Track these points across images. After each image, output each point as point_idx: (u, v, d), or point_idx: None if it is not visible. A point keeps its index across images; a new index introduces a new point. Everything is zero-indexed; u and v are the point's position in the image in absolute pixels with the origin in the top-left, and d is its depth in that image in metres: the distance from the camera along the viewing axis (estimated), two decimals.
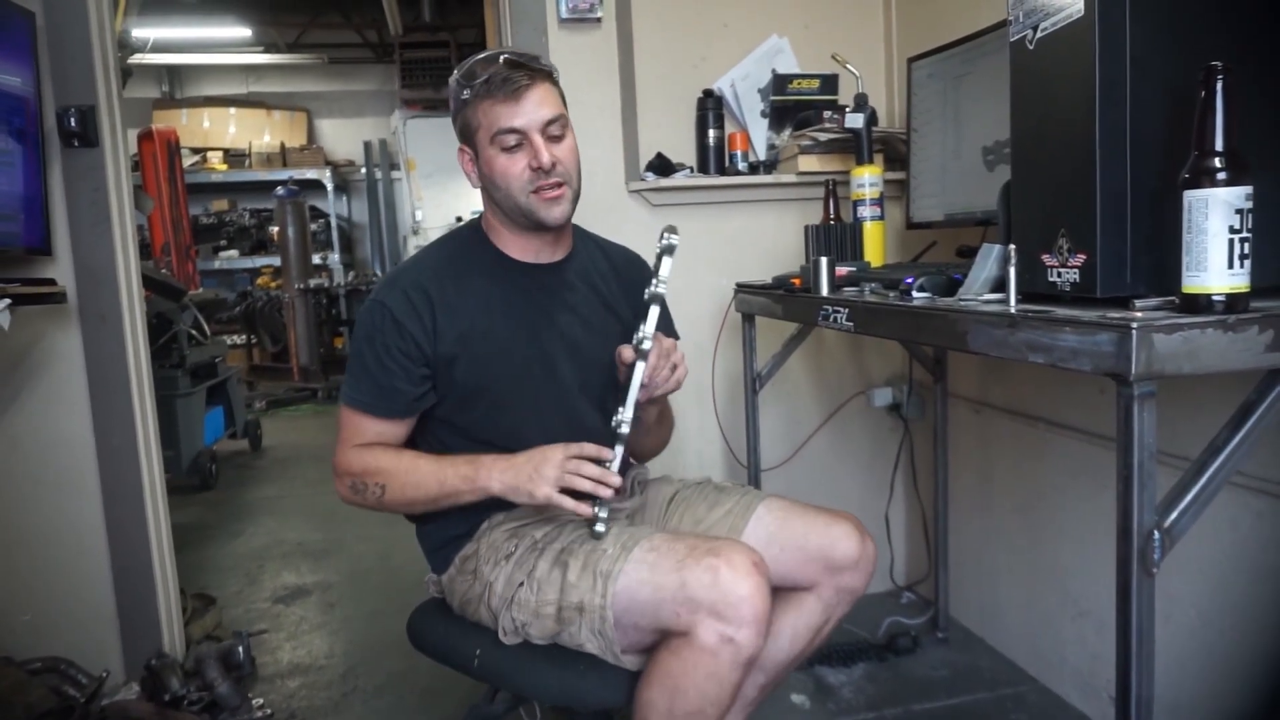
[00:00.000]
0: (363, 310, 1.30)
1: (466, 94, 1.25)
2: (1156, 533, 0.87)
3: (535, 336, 1.33)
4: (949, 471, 2.21)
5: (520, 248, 1.35)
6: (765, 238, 2.29)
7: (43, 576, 2.03)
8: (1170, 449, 1.11)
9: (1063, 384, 1.85)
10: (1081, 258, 0.97)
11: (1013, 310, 1.04)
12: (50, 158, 1.89)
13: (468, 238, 1.37)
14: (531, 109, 1.23)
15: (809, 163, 2.19)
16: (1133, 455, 0.86)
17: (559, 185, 1.26)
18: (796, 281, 1.81)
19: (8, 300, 1.48)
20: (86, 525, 2.04)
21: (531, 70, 1.24)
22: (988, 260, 1.17)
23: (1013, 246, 1.07)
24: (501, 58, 1.24)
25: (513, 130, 1.23)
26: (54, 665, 1.99)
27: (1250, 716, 1.42)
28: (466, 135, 1.29)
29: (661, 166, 2.22)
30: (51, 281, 1.87)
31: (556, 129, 1.25)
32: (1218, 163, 0.86)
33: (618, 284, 1.43)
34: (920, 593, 2.43)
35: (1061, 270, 1.00)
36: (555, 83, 1.29)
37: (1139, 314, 0.88)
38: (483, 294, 1.31)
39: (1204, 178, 0.86)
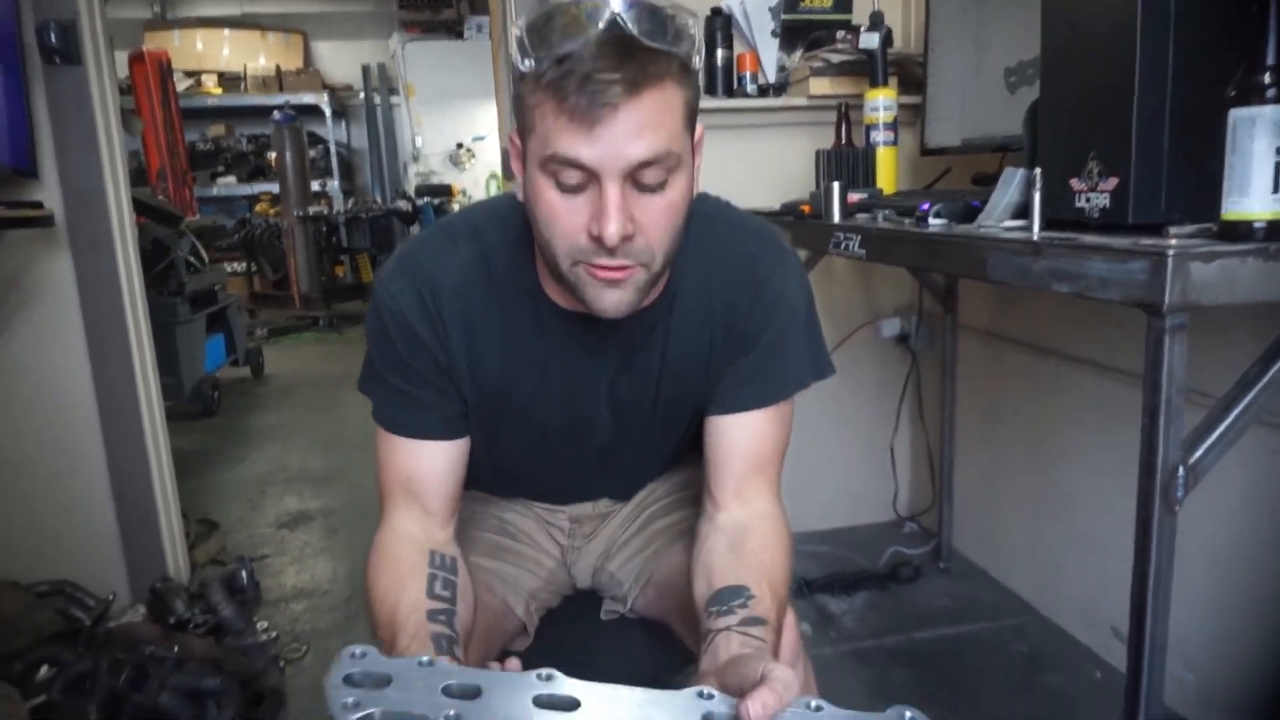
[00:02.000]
0: (372, 298, 0.92)
1: (527, 65, 0.73)
2: (1181, 469, 0.84)
3: (568, 406, 0.95)
4: (956, 403, 2.18)
5: (568, 299, 0.86)
6: (774, 163, 2.22)
7: (46, 502, 2.03)
8: (1193, 385, 1.07)
9: (1078, 317, 1.81)
10: (1113, 182, 0.92)
11: (1036, 237, 1.00)
12: (32, 75, 1.82)
13: (500, 249, 0.90)
14: (616, 138, 0.71)
15: (821, 85, 2.10)
16: (1161, 390, 0.83)
17: (624, 269, 0.76)
18: (806, 209, 1.76)
19: None
20: (86, 451, 2.03)
21: (638, 71, 0.70)
22: (1010, 185, 1.11)
23: (1038, 170, 1.02)
24: (600, 23, 0.70)
25: (577, 166, 0.72)
26: (60, 588, 2.00)
27: (1261, 658, 1.41)
28: (519, 119, 0.78)
29: None
30: (38, 204, 1.81)
31: (654, 175, 0.73)
32: (1268, 79, 0.80)
33: (719, 309, 0.93)
34: (923, 524, 2.43)
35: (1090, 195, 0.95)
36: (685, 76, 0.75)
37: (1174, 241, 0.84)
38: (507, 339, 0.91)
39: (1253, 95, 0.80)
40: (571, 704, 0.61)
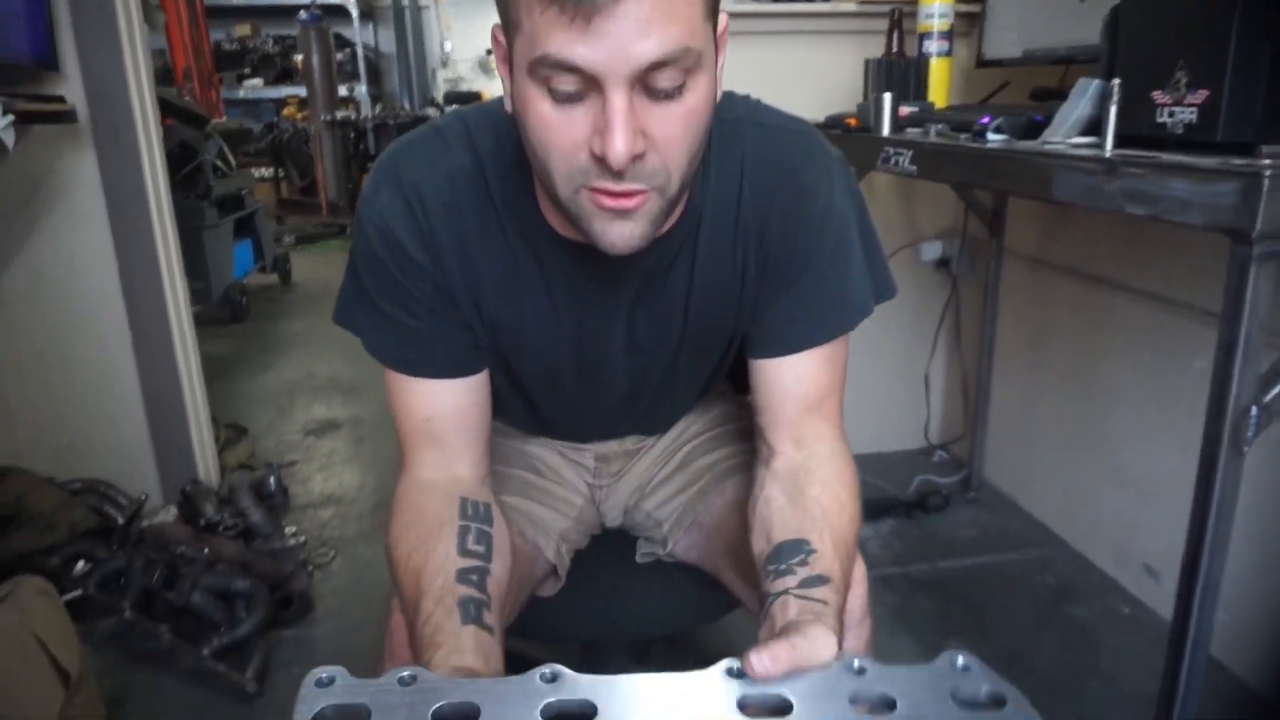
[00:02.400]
0: (356, 215, 0.80)
1: None
2: (1254, 409, 0.79)
3: (580, 345, 0.85)
4: (997, 331, 2.12)
5: (567, 224, 0.74)
6: (819, 73, 2.12)
7: (77, 402, 2.04)
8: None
9: (1136, 243, 1.72)
10: (1202, 95, 0.84)
11: (1109, 153, 0.92)
12: None
13: (493, 163, 0.78)
14: (620, 34, 0.57)
15: None
16: (1241, 324, 0.77)
17: (635, 194, 0.64)
18: (852, 122, 1.68)
19: (11, 117, 1.39)
20: (115, 353, 2.03)
21: None
22: (1082, 97, 1.03)
23: (1116, 81, 0.94)
24: None
25: (573, 70, 0.59)
26: (94, 486, 2.03)
27: None
28: (501, 11, 0.64)
29: None
30: (60, 99, 1.76)
31: (669, 78, 0.60)
32: None
33: (750, 227, 0.80)
34: (954, 452, 2.40)
35: (1175, 109, 0.87)
36: None
37: (1268, 162, 0.76)
38: (508, 265, 0.79)
39: None
40: (585, 711, 0.53)
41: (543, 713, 0.51)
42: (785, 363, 0.81)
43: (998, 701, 0.53)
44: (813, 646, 0.56)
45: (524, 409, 0.96)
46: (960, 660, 0.55)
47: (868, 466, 2.25)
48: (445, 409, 0.81)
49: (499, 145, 0.77)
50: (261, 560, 1.85)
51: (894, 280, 0.85)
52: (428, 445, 0.82)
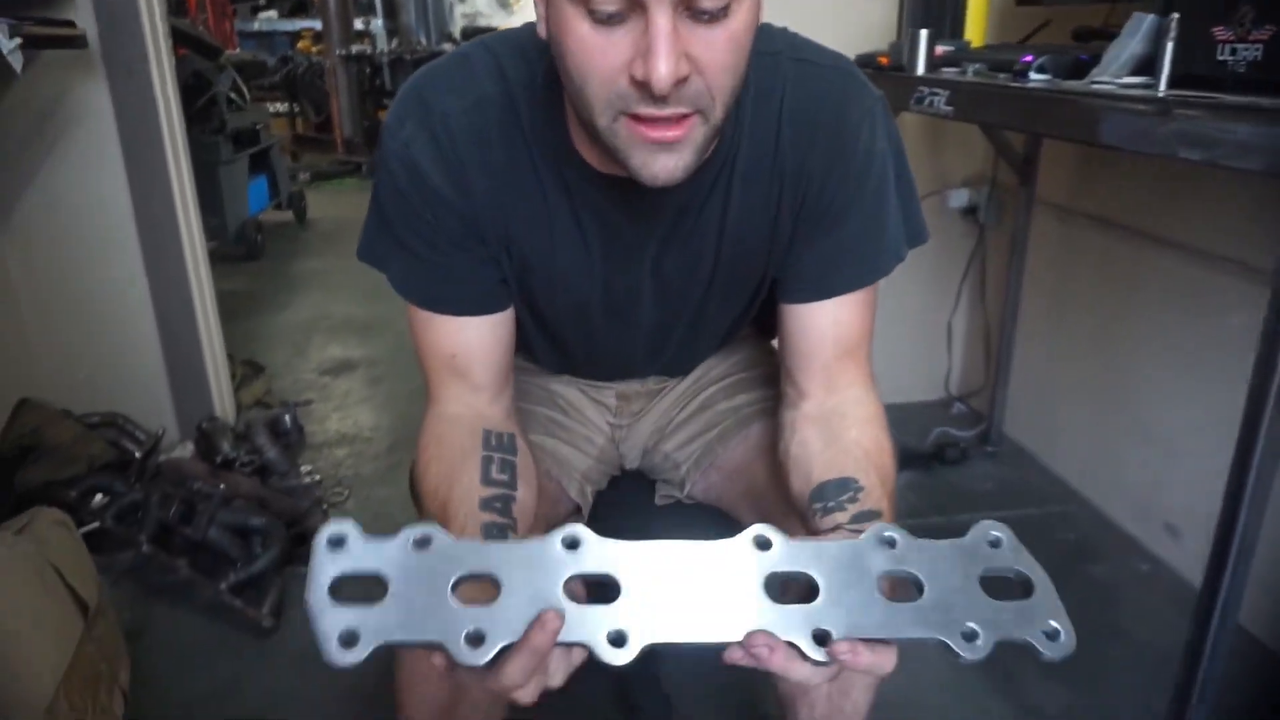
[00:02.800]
0: (379, 147, 0.77)
1: None
2: None
3: (607, 280, 0.83)
4: (1023, 282, 2.07)
5: (600, 156, 0.73)
6: (849, 9, 2.04)
7: (94, 336, 2.04)
8: None
9: (1175, 194, 1.66)
10: (1269, 30, 0.79)
11: (1162, 93, 0.87)
12: None
13: (523, 92, 0.74)
14: None
15: None
16: None
17: (680, 119, 0.61)
18: (884, 60, 1.61)
19: (18, 39, 1.35)
20: (131, 287, 2.02)
21: None
22: (1136, 33, 0.97)
23: (1175, 16, 0.88)
24: None
25: None
26: (112, 420, 2.04)
27: None
28: None
29: None
30: (70, 23, 1.72)
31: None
32: None
33: (788, 166, 0.77)
34: (973, 406, 2.37)
35: (1237, 46, 0.82)
36: None
37: None
38: (538, 201, 0.77)
39: None
40: (609, 589, 0.51)
41: (566, 589, 0.50)
42: (822, 307, 0.79)
43: (1025, 586, 0.52)
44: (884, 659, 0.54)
45: (548, 345, 0.95)
46: (992, 534, 0.55)
47: (886, 416, 2.27)
48: (470, 345, 0.80)
49: (529, 73, 0.74)
50: (277, 497, 1.86)
51: (925, 226, 0.83)
52: (452, 380, 0.81)
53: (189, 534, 1.63)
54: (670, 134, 0.61)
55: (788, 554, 0.53)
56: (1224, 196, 1.54)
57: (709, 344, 0.99)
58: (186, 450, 2.07)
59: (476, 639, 0.48)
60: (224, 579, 1.58)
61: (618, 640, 0.50)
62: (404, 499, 2.02)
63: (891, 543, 0.53)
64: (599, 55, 0.59)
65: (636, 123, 0.61)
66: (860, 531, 0.59)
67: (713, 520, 1.00)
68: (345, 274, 3.89)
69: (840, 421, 0.77)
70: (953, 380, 2.39)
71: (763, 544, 0.52)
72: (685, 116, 0.61)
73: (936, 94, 1.31)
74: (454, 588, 0.49)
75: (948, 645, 0.50)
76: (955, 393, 2.40)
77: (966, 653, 0.50)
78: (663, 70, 0.57)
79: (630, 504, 1.04)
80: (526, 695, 0.54)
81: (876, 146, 0.76)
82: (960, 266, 2.28)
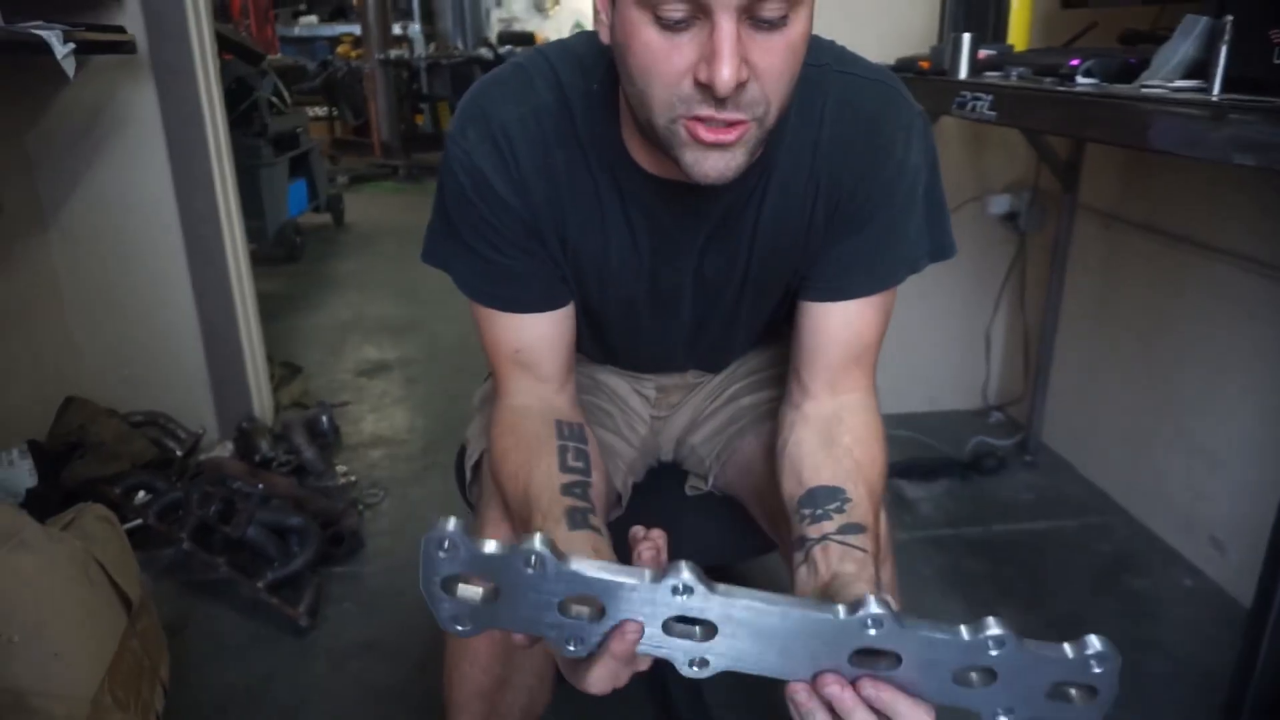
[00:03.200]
0: (444, 154, 0.81)
1: None
2: None
3: (654, 277, 0.86)
4: (1064, 290, 2.04)
5: (651, 158, 0.77)
6: (889, 14, 2.02)
7: (138, 336, 2.08)
8: None
9: (1220, 200, 1.63)
10: None
11: (1215, 98, 0.85)
12: None
13: (579, 99, 0.78)
14: None
15: None
16: None
17: (735, 125, 0.64)
18: (925, 64, 1.59)
19: (72, 45, 1.38)
20: (175, 288, 2.06)
21: None
22: (1188, 36, 0.95)
23: (1229, 17, 0.86)
24: None
25: None
26: (154, 419, 2.08)
27: None
28: None
29: None
30: (120, 29, 1.76)
31: (776, 7, 0.61)
32: None
33: (824, 173, 0.79)
34: (1011, 415, 2.33)
35: None
36: None
37: None
38: (592, 201, 0.80)
39: None
40: (709, 631, 0.54)
41: (666, 626, 0.53)
42: (835, 308, 0.81)
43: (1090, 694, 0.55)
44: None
45: (594, 337, 0.97)
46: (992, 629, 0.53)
47: (922, 425, 2.25)
48: (534, 340, 0.84)
49: (584, 81, 0.77)
50: (314, 498, 1.88)
51: (953, 242, 0.84)
52: (519, 373, 0.85)
53: (228, 532, 1.65)
54: (726, 137, 0.64)
55: (890, 634, 0.53)
56: (1272, 203, 1.50)
57: (744, 341, 1.01)
58: (226, 450, 2.10)
59: (577, 642, 0.54)
60: (262, 577, 1.60)
61: (700, 664, 0.54)
62: (439, 499, 2.04)
63: (1001, 642, 0.52)
64: (664, 59, 0.62)
65: (696, 124, 0.64)
66: (848, 544, 0.66)
67: (733, 512, 1.02)
68: (381, 275, 3.93)
69: (838, 427, 0.80)
70: (991, 389, 2.36)
71: (876, 623, 0.52)
72: (742, 123, 0.64)
73: (980, 98, 1.29)
74: (560, 609, 0.54)
75: None
76: (993, 402, 2.37)
77: None
78: (726, 74, 0.59)
79: (664, 493, 1.07)
80: (599, 688, 0.59)
81: (910, 160, 0.78)
82: (1000, 274, 2.25)
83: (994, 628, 0.52)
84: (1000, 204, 2.18)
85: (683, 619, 0.53)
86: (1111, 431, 1.98)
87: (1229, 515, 1.64)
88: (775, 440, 0.85)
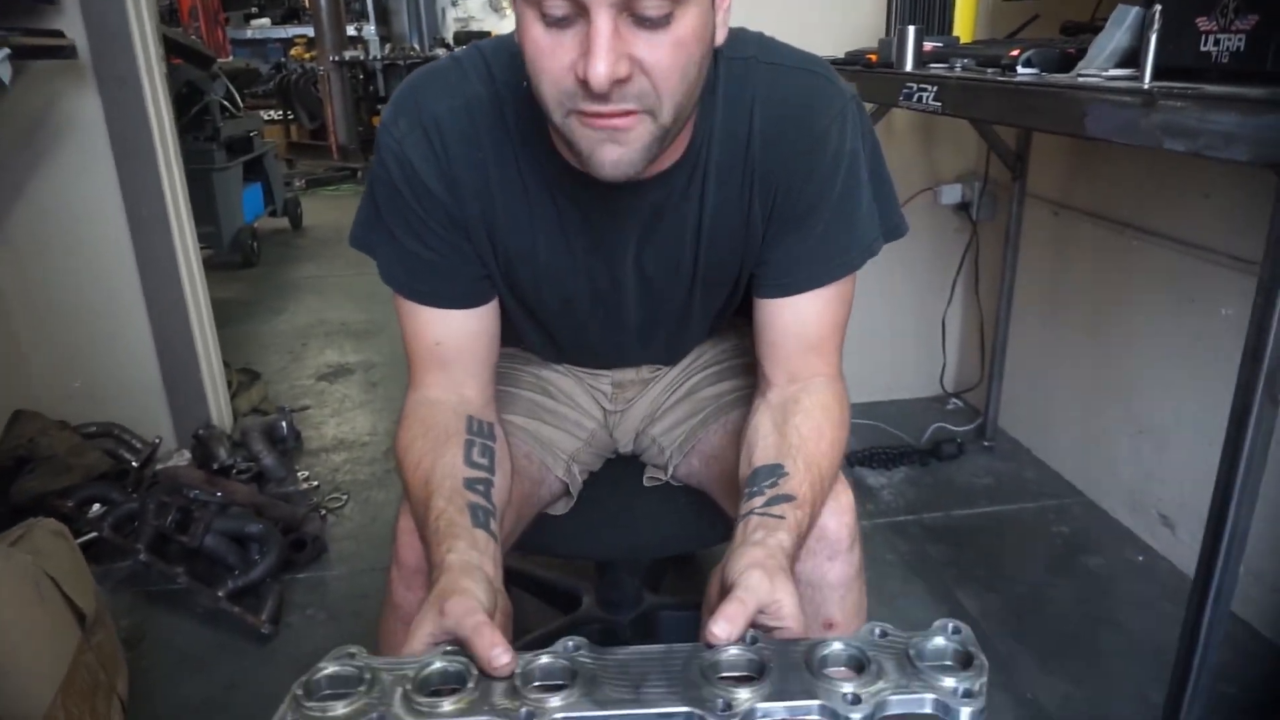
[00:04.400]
0: (376, 143, 0.81)
1: None
2: None
3: (591, 276, 0.86)
4: (1016, 277, 2.08)
5: (577, 156, 0.72)
6: (838, 8, 2.04)
7: (89, 346, 2.04)
8: None
9: (1163, 186, 1.67)
10: (1252, 20, 0.79)
11: (1147, 85, 0.88)
12: None
13: (510, 95, 0.78)
14: None
15: None
16: None
17: (624, 115, 0.64)
18: (873, 57, 1.61)
19: (7, 50, 1.35)
20: (125, 296, 2.02)
21: None
22: (1120, 26, 0.98)
23: (1158, 6, 0.88)
24: None
25: None
26: (108, 430, 2.04)
27: None
28: None
29: None
30: (59, 33, 1.72)
31: (655, 5, 0.61)
32: None
33: (758, 169, 0.80)
34: (969, 401, 2.37)
35: (1220, 37, 0.83)
36: None
37: None
38: (520, 198, 0.80)
39: None
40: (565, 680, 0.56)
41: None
42: (787, 303, 0.82)
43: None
44: (752, 593, 0.60)
45: (540, 336, 0.98)
46: (950, 626, 0.57)
47: (882, 414, 2.28)
48: (453, 335, 0.84)
49: (515, 77, 0.76)
50: (274, 504, 1.86)
51: (905, 219, 0.86)
52: (436, 368, 0.85)
53: (186, 542, 1.63)
54: (615, 122, 0.64)
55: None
56: (1214, 189, 1.54)
57: (697, 334, 1.02)
58: (183, 458, 2.07)
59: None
60: (222, 586, 1.58)
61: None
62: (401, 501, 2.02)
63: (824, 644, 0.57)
64: (549, 55, 0.63)
65: (583, 115, 0.64)
66: (770, 515, 0.69)
67: (692, 503, 1.03)
68: (341, 279, 3.89)
69: (792, 408, 0.81)
70: (948, 376, 2.40)
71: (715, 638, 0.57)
72: (629, 113, 0.64)
73: (925, 89, 1.31)
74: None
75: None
76: (950, 389, 2.40)
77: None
78: (600, 70, 0.60)
79: (619, 483, 1.08)
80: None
81: (846, 146, 0.79)
82: (953, 263, 2.29)
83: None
84: (952, 194, 2.21)
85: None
86: (1065, 415, 2.03)
87: (1177, 494, 1.68)
88: (742, 428, 0.86)
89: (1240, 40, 0.80)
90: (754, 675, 0.55)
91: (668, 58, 0.63)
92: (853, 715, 0.51)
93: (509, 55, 0.77)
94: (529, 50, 0.64)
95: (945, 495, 1.98)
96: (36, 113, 1.84)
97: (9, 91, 1.58)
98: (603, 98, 0.62)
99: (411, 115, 0.77)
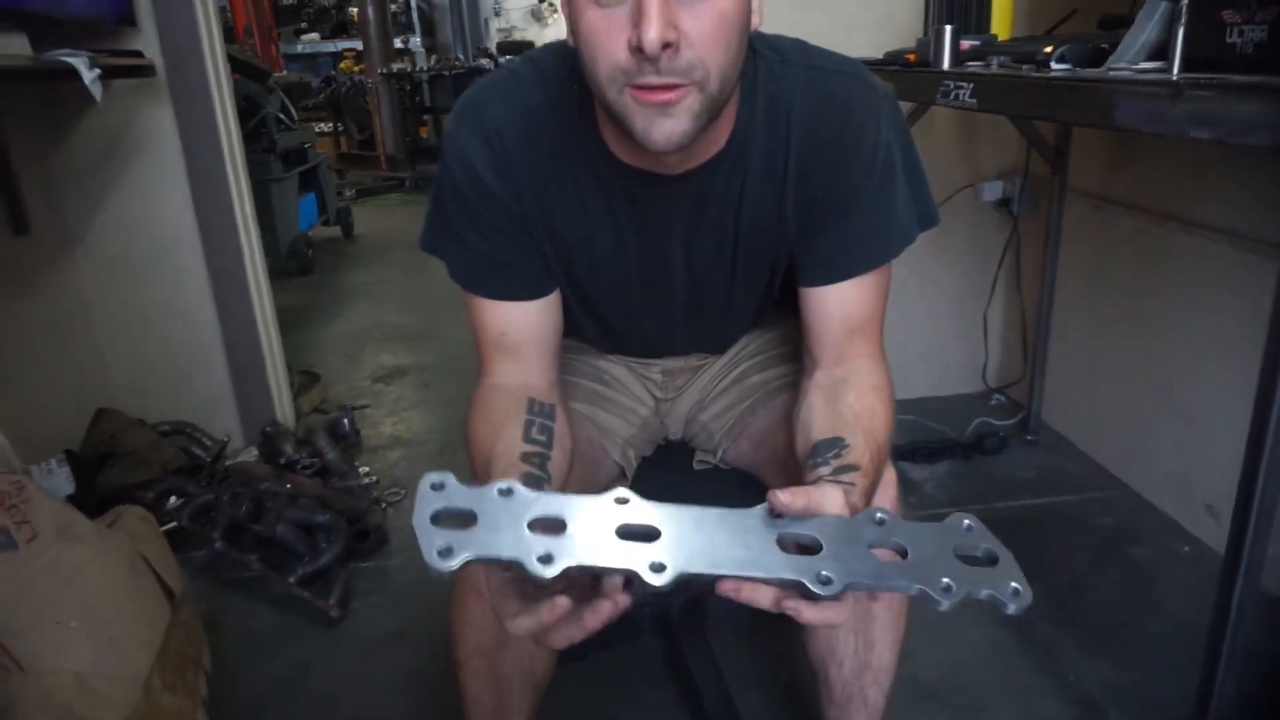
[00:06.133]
0: (442, 152, 0.88)
1: None
2: None
3: (643, 264, 0.92)
4: (1058, 271, 2.09)
5: (627, 149, 0.83)
6: (878, 8, 2.09)
7: (163, 349, 2.16)
8: None
9: (1201, 177, 1.68)
10: (1274, 11, 0.82)
11: (1175, 77, 0.91)
12: None
13: (563, 99, 0.85)
14: None
15: None
16: None
17: (673, 88, 0.70)
18: (911, 57, 1.66)
19: (98, 71, 1.46)
20: (197, 301, 2.13)
21: None
22: (1150, 19, 1.01)
23: (1186, 1, 0.92)
24: None
25: None
26: (181, 428, 2.15)
27: None
28: None
29: None
30: (139, 54, 1.84)
31: None
32: None
33: (795, 165, 0.85)
34: (1012, 396, 2.38)
35: (1245, 28, 0.86)
36: None
37: None
38: (576, 193, 0.87)
39: None
40: (651, 534, 0.60)
41: (617, 531, 0.60)
42: (831, 290, 0.88)
43: (991, 559, 0.61)
44: (824, 496, 0.65)
45: (596, 326, 1.04)
46: (965, 522, 0.63)
47: (925, 410, 2.31)
48: (517, 325, 0.91)
49: (566, 81, 0.84)
50: (338, 497, 1.95)
51: (937, 210, 0.91)
52: (502, 356, 0.92)
53: (259, 530, 1.72)
54: (666, 96, 0.70)
55: (795, 521, 0.62)
56: (1249, 178, 1.55)
57: (741, 322, 1.08)
58: (251, 455, 2.17)
59: (546, 559, 0.57)
60: (292, 573, 1.67)
61: (658, 568, 0.58)
62: None
63: (881, 521, 0.63)
64: (604, 33, 0.69)
65: (636, 89, 0.70)
66: (841, 482, 0.71)
67: (743, 484, 1.08)
68: (392, 285, 4.01)
69: (843, 388, 0.86)
70: (990, 372, 2.41)
71: (775, 513, 0.62)
72: (678, 86, 0.70)
73: (962, 87, 1.35)
74: (529, 525, 0.58)
75: (928, 593, 0.58)
76: (993, 384, 2.42)
77: (944, 599, 0.58)
78: (652, 34, 0.65)
79: (671, 467, 1.14)
80: (558, 641, 0.64)
81: (881, 139, 0.84)
82: (994, 259, 2.31)
83: (880, 512, 0.63)
84: (993, 190, 2.23)
85: (630, 533, 0.60)
86: (1109, 407, 2.04)
87: (1222, 483, 1.69)
88: (792, 411, 0.91)
89: (1263, 31, 0.84)
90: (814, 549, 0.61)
91: (710, 26, 0.69)
92: (943, 600, 0.58)
93: (560, 62, 0.85)
94: (585, 32, 0.71)
95: (988, 488, 2.01)
96: (116, 128, 1.96)
97: (93, 108, 1.69)
98: (654, 67, 0.68)
99: (473, 124, 0.84)
